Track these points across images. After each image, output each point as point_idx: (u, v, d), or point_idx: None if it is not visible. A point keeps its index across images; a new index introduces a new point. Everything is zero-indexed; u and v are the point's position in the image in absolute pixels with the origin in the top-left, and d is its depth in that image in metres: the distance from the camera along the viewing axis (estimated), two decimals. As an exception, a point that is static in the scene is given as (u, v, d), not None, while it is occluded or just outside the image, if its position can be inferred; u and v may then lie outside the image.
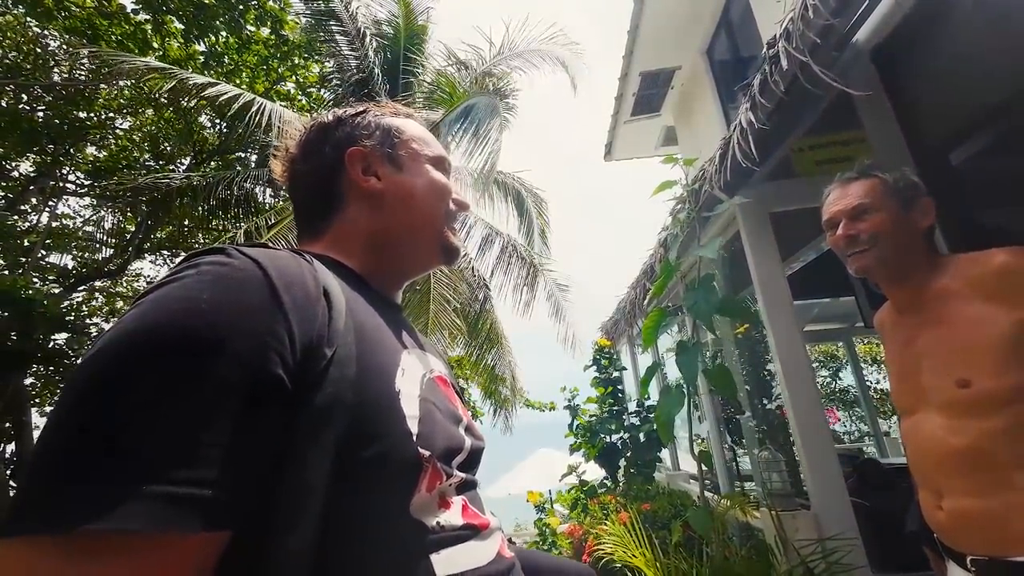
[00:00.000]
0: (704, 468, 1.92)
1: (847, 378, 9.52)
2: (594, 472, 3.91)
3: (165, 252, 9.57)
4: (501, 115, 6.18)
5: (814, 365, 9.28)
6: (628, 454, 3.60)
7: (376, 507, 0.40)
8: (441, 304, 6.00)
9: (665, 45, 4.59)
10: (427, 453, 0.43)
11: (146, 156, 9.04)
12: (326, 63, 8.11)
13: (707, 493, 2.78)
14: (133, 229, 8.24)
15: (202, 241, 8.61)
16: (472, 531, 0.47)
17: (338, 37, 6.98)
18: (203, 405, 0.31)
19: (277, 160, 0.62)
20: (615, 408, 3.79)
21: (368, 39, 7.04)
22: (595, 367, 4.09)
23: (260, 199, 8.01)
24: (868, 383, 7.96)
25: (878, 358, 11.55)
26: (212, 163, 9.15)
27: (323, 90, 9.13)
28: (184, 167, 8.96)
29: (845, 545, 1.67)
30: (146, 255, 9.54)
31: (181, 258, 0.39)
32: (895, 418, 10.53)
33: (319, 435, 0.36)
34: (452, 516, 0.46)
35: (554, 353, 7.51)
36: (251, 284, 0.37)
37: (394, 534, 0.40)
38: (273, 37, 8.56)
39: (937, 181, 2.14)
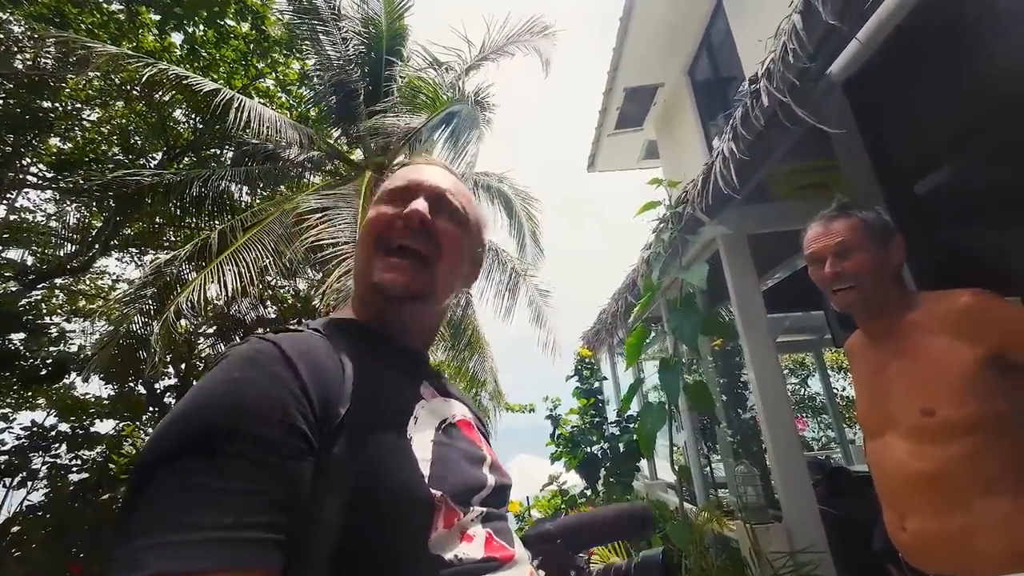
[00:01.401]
0: (679, 479, 1.98)
1: (815, 385, 9.85)
2: (574, 481, 3.95)
3: (133, 249, 9.20)
4: (480, 127, 6.22)
5: (784, 373, 9.56)
6: (608, 464, 3.66)
7: (393, 544, 0.42)
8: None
9: (649, 63, 4.70)
10: (439, 493, 0.46)
11: (115, 150, 8.68)
12: (307, 60, 7.98)
13: (685, 505, 2.85)
14: (100, 225, 7.90)
15: (173, 239, 8.34)
16: (495, 564, 0.49)
17: (321, 36, 6.89)
18: (256, 464, 0.37)
19: None
20: (596, 419, 3.85)
21: (350, 38, 6.98)
22: (577, 377, 4.14)
23: (236, 198, 7.83)
24: (835, 391, 8.26)
25: (844, 366, 11.98)
26: (185, 159, 8.86)
27: (303, 88, 8.98)
28: (156, 163, 8.63)
29: (815, 558, 1.75)
30: (113, 252, 9.16)
31: (230, 346, 0.47)
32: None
33: (335, 480, 0.40)
34: (473, 549, 0.48)
35: (534, 359, 7.54)
36: (271, 360, 0.43)
37: (411, 569, 0.43)
38: (253, 32, 8.37)
39: (903, 210, 2.27)
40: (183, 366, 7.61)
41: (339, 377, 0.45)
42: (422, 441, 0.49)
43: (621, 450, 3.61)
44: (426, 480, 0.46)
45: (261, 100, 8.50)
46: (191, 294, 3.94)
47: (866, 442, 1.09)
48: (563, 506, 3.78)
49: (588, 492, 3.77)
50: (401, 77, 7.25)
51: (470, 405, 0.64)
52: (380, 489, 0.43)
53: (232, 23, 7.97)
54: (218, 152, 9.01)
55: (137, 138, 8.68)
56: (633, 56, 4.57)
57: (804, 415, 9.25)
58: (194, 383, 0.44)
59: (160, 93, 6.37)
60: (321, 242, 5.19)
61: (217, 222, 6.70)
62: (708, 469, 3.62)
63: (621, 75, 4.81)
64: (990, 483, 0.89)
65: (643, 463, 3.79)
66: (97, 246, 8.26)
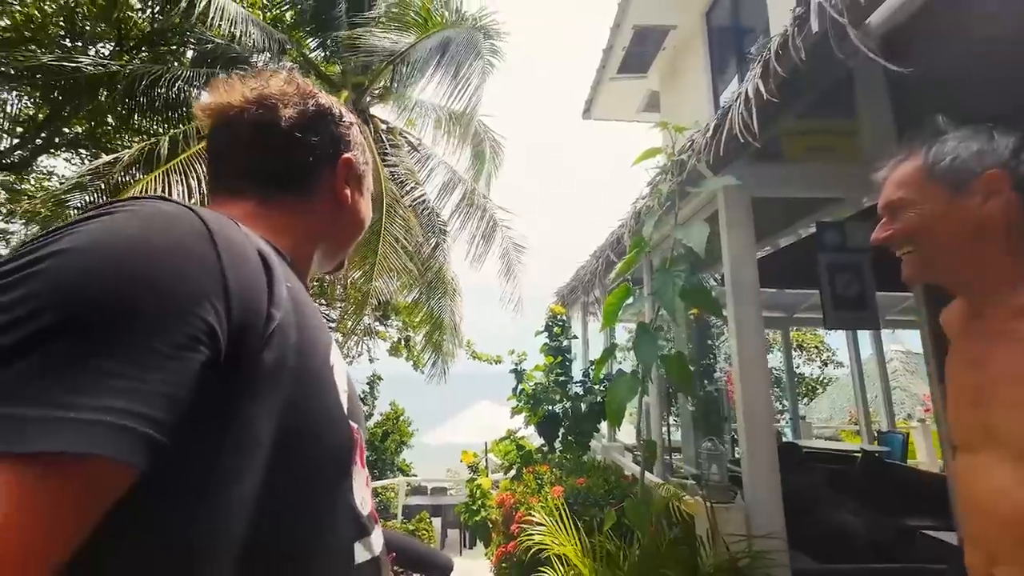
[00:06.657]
0: (645, 455, 1.86)
1: (773, 360, 10.17)
2: (533, 437, 3.89)
3: (83, 151, 8.37)
4: (484, 58, 5.64)
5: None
6: (568, 423, 3.59)
7: (314, 479, 0.41)
8: (391, 245, 5.64)
9: (665, -2, 4.23)
10: (355, 426, 0.46)
11: (60, 32, 7.62)
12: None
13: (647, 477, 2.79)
14: (44, 119, 7.08)
15: (126, 142, 7.59)
16: (372, 522, 0.48)
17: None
18: (139, 345, 0.31)
19: (229, 91, 0.53)
20: (561, 378, 3.75)
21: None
22: (547, 334, 3.98)
23: (193, 104, 7.05)
24: (795, 367, 8.53)
25: (803, 344, 12.45)
26: (143, 54, 7.89)
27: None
28: (106, 55, 7.66)
29: (775, 545, 1.67)
30: (60, 151, 8.34)
31: (116, 199, 0.38)
32: (811, 401, 11.50)
33: (266, 394, 0.37)
34: (365, 501, 0.47)
35: (497, 310, 7.43)
36: (194, 234, 0.37)
37: (332, 510, 0.43)
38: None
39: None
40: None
41: (262, 279, 0.39)
42: (340, 371, 0.47)
43: (583, 410, 3.53)
44: (346, 411, 0.45)
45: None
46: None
47: (954, 454, 0.82)
48: (519, 460, 3.74)
49: (546, 449, 3.73)
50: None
51: None
52: (307, 413, 0.41)
53: None
54: (177, 49, 8.09)
55: (86, 22, 7.63)
56: (649, -13, 4.09)
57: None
58: (76, 226, 0.34)
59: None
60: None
61: (171, 128, 6.07)
62: (667, 438, 3.60)
63: (633, 8, 4.33)
64: None
65: (602, 424, 3.75)
66: (39, 141, 7.47)
